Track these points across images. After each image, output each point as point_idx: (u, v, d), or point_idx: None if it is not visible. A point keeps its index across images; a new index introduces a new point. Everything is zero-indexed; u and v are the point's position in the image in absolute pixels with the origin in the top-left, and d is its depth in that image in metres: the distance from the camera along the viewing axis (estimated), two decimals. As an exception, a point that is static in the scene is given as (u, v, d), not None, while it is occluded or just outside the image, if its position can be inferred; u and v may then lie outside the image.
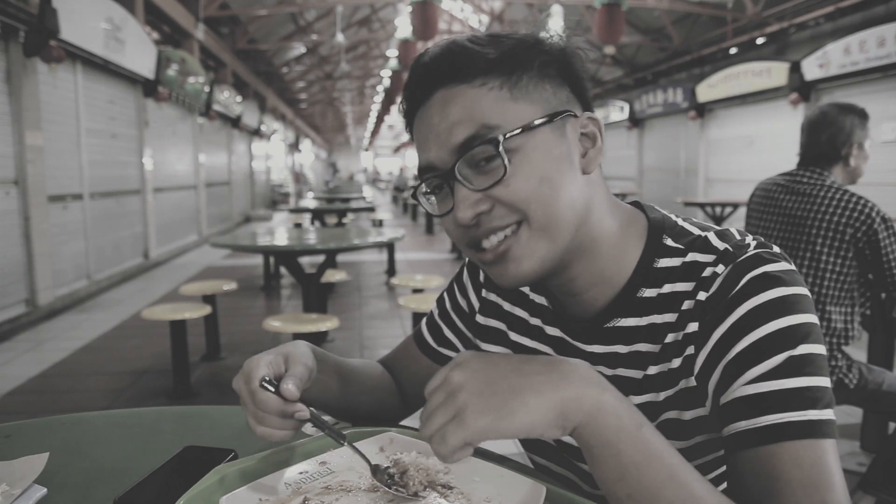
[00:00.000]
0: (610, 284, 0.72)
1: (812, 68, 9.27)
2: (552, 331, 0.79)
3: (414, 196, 0.73)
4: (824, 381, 0.59)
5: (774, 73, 10.24)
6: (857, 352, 2.24)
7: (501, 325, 0.85)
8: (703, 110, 12.70)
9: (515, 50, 0.66)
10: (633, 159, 16.31)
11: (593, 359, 0.74)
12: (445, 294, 0.96)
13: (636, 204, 0.77)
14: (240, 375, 0.72)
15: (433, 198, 0.72)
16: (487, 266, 0.70)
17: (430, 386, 0.57)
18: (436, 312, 0.96)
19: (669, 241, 0.71)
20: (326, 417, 0.81)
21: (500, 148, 0.63)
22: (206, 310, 3.62)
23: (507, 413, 0.52)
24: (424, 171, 0.69)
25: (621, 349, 0.72)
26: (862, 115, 1.96)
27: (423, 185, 0.71)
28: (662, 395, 0.69)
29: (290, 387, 0.69)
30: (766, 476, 0.57)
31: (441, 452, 0.53)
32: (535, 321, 0.81)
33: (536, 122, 0.65)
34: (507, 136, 0.63)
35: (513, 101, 0.65)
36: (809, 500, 0.54)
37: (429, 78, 0.67)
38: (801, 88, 9.53)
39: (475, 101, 0.65)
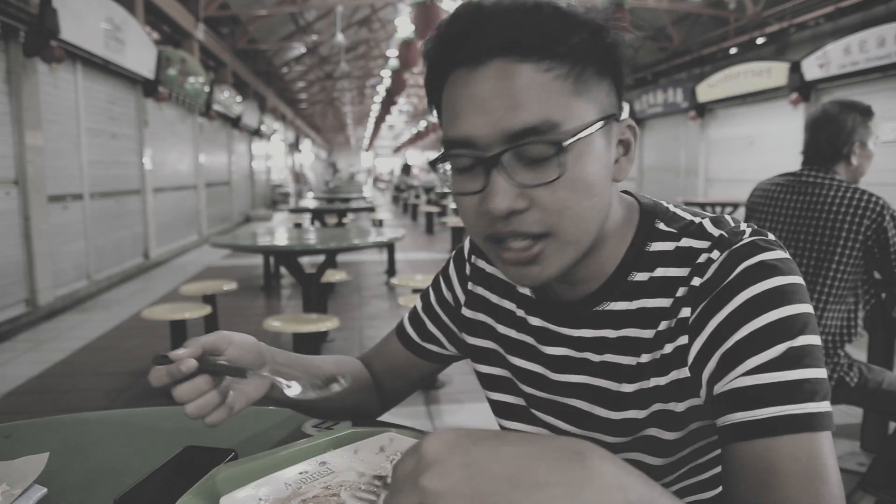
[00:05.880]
0: (604, 271, 0.71)
1: (812, 68, 9.28)
2: (534, 320, 0.78)
3: (432, 164, 0.65)
4: (822, 373, 0.59)
5: (774, 73, 10.25)
6: (858, 352, 2.24)
7: (488, 319, 0.84)
8: (703, 110, 12.71)
9: (584, 34, 0.59)
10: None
11: (580, 344, 0.74)
12: (430, 288, 0.94)
13: (627, 193, 0.77)
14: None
15: (451, 171, 0.64)
16: (505, 265, 0.65)
17: (393, 480, 0.40)
18: (419, 307, 0.95)
19: (662, 226, 0.70)
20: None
21: (563, 153, 0.58)
22: (206, 310, 3.62)
23: None
24: (458, 144, 0.61)
25: (610, 334, 0.71)
26: (865, 113, 1.92)
27: (450, 159, 0.63)
28: (653, 383, 0.68)
29: (179, 351, 0.71)
30: (762, 469, 0.56)
31: None
32: (521, 312, 0.80)
33: (596, 125, 0.60)
34: (571, 140, 0.58)
35: (576, 97, 0.59)
36: (806, 494, 0.54)
37: (488, 40, 0.58)
38: (802, 88, 9.54)
39: (542, 89, 0.58)
